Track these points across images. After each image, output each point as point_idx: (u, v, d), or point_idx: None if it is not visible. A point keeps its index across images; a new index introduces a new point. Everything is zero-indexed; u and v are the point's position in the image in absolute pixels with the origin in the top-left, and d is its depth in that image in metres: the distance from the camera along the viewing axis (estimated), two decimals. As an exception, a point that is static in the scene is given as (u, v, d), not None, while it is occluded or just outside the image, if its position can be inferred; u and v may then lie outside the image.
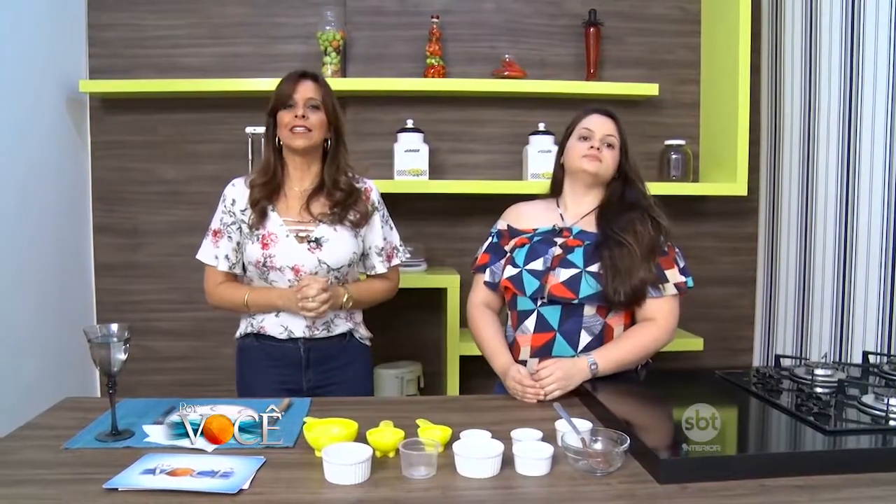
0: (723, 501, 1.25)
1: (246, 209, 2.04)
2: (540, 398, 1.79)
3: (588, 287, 1.88)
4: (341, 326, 2.09)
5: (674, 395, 1.82)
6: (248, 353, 2.10)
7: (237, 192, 2.07)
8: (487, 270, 2.05)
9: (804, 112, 2.74)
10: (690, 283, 1.96)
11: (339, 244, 2.03)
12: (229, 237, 2.06)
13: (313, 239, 2.01)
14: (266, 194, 2.03)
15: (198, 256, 2.10)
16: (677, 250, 1.98)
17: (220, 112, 3.00)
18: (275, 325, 2.05)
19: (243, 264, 2.08)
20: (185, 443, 1.48)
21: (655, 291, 1.90)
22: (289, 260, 2.00)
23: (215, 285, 2.09)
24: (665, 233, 1.95)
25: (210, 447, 1.47)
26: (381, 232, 2.14)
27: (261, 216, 2.02)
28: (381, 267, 2.15)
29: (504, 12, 3.07)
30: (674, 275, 1.93)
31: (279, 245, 2.00)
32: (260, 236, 2.01)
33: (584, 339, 1.91)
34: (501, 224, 2.11)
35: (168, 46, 2.99)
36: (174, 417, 1.56)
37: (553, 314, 1.93)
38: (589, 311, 1.91)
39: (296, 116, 1.98)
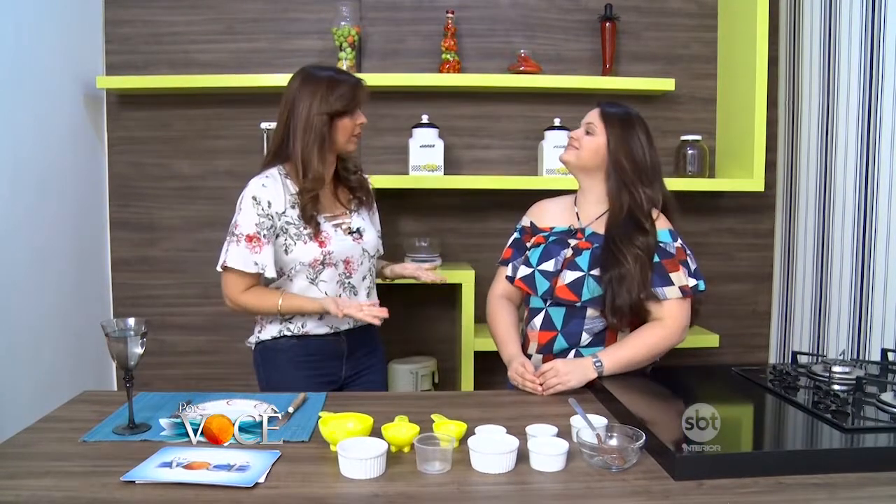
0: (739, 499, 1.24)
1: (285, 211, 2.00)
2: (538, 393, 1.80)
3: (589, 291, 1.89)
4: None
5: (690, 392, 1.81)
6: (281, 354, 2.06)
7: (271, 194, 1.99)
8: (510, 265, 2.09)
9: (822, 106, 2.71)
10: (701, 287, 1.94)
11: (371, 230, 2.14)
12: (270, 242, 2.00)
13: (355, 229, 2.08)
14: (313, 200, 2.02)
15: (229, 264, 1.96)
16: (689, 252, 1.96)
17: (236, 108, 3.01)
18: (319, 327, 2.06)
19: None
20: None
21: (660, 294, 1.88)
22: (342, 254, 2.05)
23: (240, 291, 1.99)
24: (674, 237, 1.93)
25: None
26: (377, 217, 2.26)
27: (310, 219, 2.01)
28: (381, 249, 2.25)
29: (519, 7, 3.06)
30: (679, 278, 1.89)
31: (333, 241, 2.03)
32: (312, 235, 2.01)
33: (585, 339, 1.93)
34: (525, 220, 2.14)
35: (184, 42, 3.00)
36: (175, 419, 1.56)
37: (558, 314, 1.95)
38: (592, 312, 1.92)
39: (358, 124, 2.06)
